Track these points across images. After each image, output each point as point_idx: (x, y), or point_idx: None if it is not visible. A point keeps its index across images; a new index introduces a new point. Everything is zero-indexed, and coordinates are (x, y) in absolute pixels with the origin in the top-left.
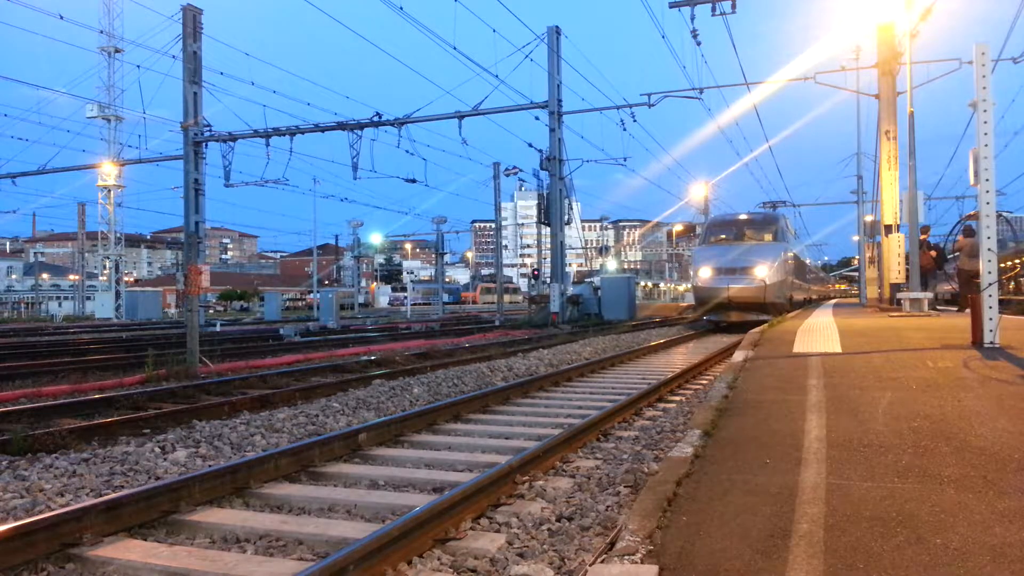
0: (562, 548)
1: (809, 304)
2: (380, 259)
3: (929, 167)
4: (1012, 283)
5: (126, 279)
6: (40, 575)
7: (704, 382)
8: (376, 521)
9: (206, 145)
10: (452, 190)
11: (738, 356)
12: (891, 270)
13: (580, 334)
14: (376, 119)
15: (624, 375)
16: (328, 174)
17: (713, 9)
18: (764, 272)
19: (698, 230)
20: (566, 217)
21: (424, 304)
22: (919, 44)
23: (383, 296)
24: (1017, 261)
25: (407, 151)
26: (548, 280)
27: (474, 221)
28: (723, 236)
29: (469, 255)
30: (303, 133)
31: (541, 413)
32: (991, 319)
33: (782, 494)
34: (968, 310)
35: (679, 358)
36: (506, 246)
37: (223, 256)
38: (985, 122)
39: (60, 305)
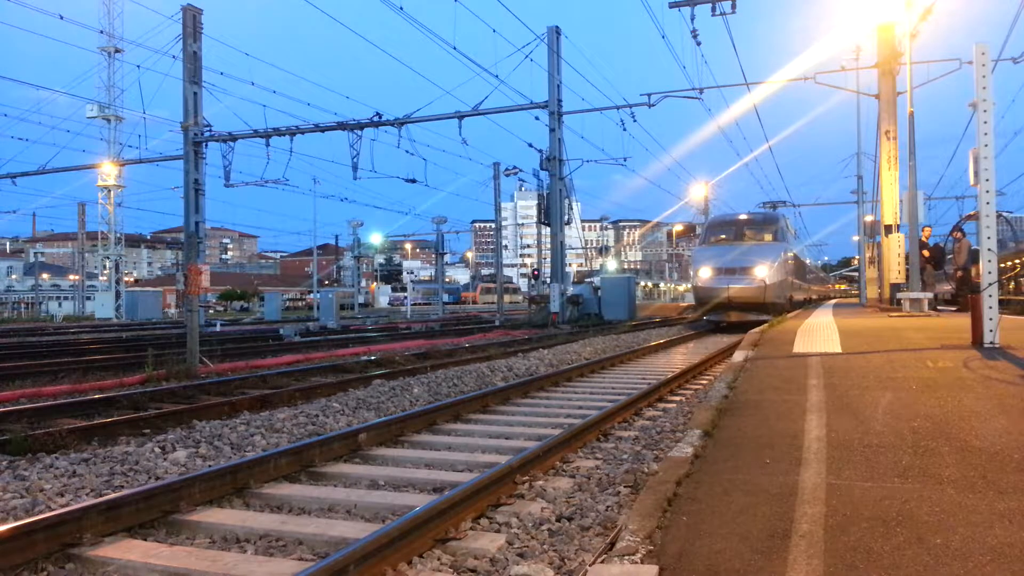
0: (562, 548)
1: (809, 304)
2: (380, 259)
3: (929, 167)
4: (1012, 283)
5: (126, 279)
6: (40, 575)
7: (704, 382)
8: (376, 521)
9: (206, 145)
10: (452, 190)
11: (738, 356)
12: (891, 270)
13: (580, 334)
14: (376, 119)
15: (624, 375)
16: (328, 174)
17: (713, 9)
18: (764, 272)
19: (698, 230)
20: (566, 217)
21: (424, 304)
22: (919, 44)
23: (383, 296)
24: (1017, 261)
25: (407, 151)
26: (548, 280)
27: (474, 221)
28: (723, 236)
29: (469, 255)
30: (303, 133)
31: (541, 413)
32: (991, 319)
33: (782, 494)
34: (968, 310)
35: (679, 358)
36: (506, 246)
37: (223, 256)
38: (985, 122)
39: (60, 305)
